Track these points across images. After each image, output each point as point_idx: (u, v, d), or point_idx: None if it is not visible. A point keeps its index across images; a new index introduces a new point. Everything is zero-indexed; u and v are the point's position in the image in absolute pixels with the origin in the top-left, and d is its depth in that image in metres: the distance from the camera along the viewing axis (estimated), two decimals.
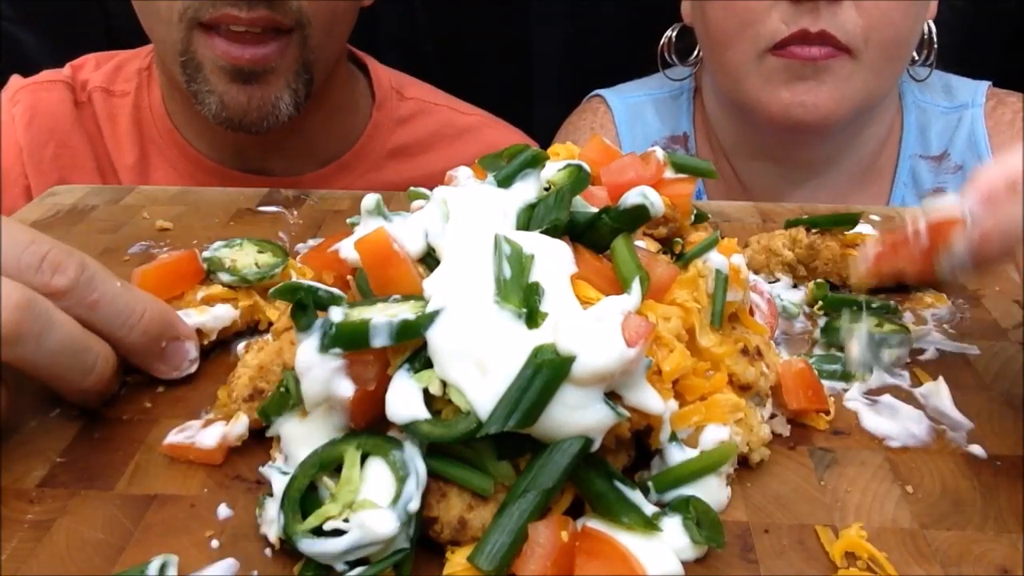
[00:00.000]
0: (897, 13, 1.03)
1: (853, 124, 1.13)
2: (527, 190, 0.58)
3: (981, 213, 0.54)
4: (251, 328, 0.68)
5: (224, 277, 0.67)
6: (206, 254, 0.69)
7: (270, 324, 0.67)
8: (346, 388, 0.47)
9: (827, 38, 1.01)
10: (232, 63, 0.99)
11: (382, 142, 1.24)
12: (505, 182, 0.59)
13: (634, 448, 0.51)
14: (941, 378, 0.61)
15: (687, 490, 0.49)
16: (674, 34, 1.23)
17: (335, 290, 0.52)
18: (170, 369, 0.61)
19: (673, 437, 0.50)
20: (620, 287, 0.51)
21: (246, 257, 0.70)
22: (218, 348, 0.66)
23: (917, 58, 1.15)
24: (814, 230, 0.76)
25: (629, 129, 1.28)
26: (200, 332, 0.63)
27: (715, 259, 0.57)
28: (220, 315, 0.64)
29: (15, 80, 1.21)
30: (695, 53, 1.23)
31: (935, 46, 1.14)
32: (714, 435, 0.51)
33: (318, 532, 0.44)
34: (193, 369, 0.62)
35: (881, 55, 1.04)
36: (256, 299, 0.68)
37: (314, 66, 1.05)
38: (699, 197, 1.23)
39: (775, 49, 1.03)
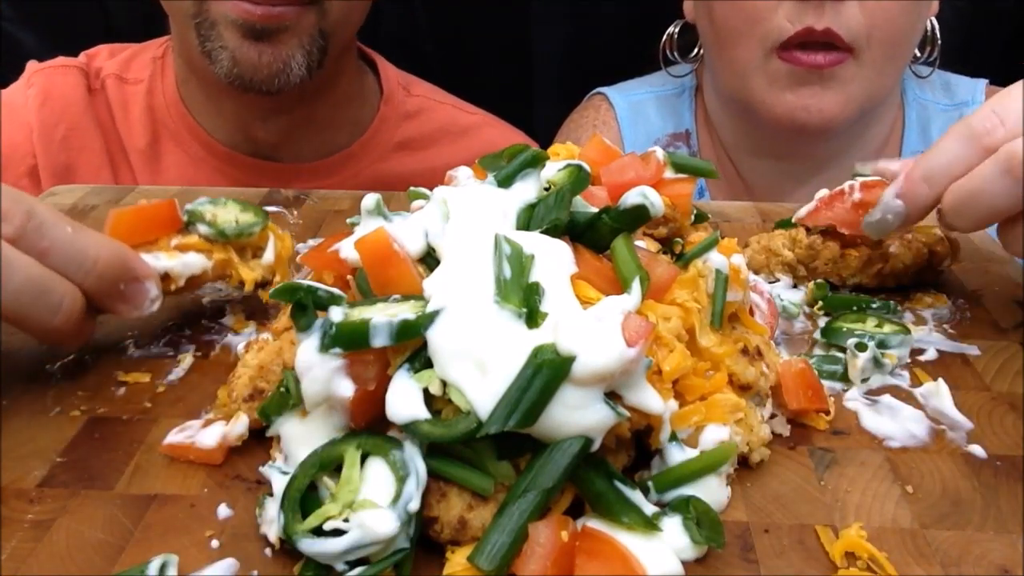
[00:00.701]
0: (899, 11, 1.03)
1: (857, 123, 1.13)
2: (527, 190, 0.58)
3: (911, 165, 0.66)
4: (223, 282, 0.68)
5: (202, 228, 0.66)
6: (189, 206, 0.68)
7: (241, 283, 0.67)
8: (346, 388, 0.47)
9: (832, 36, 1.01)
10: (245, 19, 1.00)
11: (388, 135, 1.26)
12: (505, 182, 0.59)
13: (634, 448, 0.51)
14: (941, 378, 0.61)
15: (687, 490, 0.49)
16: (676, 31, 1.23)
17: (335, 290, 0.52)
18: (131, 309, 0.60)
19: (673, 437, 0.50)
20: (620, 287, 0.51)
21: (227, 214, 0.69)
22: (218, 348, 0.67)
23: (920, 55, 1.15)
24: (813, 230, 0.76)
25: (631, 126, 1.28)
26: (168, 277, 0.63)
27: (715, 259, 0.57)
28: (190, 262, 0.64)
29: (31, 65, 1.23)
30: (696, 50, 1.23)
31: (938, 43, 1.14)
32: (714, 435, 0.51)
33: (318, 532, 0.44)
34: (155, 308, 0.61)
35: (883, 53, 1.05)
36: (231, 254, 0.68)
37: (330, 37, 1.06)
38: (701, 195, 1.23)
39: (781, 50, 1.04)
